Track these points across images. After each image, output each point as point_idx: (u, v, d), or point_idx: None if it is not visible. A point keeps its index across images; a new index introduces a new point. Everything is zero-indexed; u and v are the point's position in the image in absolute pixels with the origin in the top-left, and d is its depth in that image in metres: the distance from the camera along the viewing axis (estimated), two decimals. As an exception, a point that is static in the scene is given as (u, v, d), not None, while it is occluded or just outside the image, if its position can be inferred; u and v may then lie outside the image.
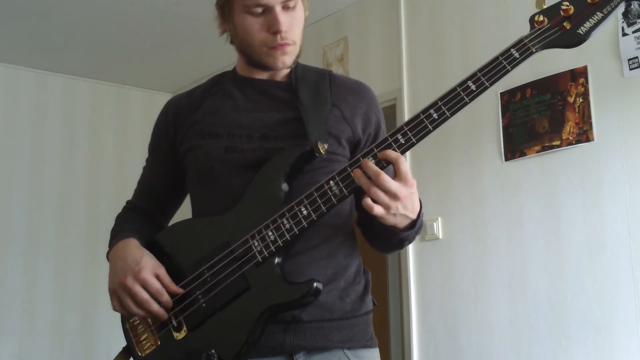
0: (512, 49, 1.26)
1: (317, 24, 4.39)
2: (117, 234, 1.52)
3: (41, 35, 4.61)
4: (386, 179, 1.23)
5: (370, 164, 1.25)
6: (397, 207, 1.25)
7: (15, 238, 4.85)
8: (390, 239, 1.38)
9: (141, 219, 1.61)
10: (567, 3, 1.26)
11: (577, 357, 2.95)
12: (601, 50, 3.01)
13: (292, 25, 1.44)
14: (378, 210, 1.25)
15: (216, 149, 1.44)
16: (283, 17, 1.41)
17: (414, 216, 1.30)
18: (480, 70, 1.26)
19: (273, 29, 1.41)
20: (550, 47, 1.27)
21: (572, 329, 2.98)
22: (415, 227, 1.33)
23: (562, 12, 1.26)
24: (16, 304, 4.77)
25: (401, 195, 1.24)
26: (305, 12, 1.49)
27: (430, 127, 1.26)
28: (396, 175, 1.25)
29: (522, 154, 3.25)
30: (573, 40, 1.26)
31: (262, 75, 1.52)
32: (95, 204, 5.14)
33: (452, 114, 1.26)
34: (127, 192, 1.71)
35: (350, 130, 1.47)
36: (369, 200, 1.25)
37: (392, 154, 1.25)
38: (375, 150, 1.28)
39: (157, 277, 1.39)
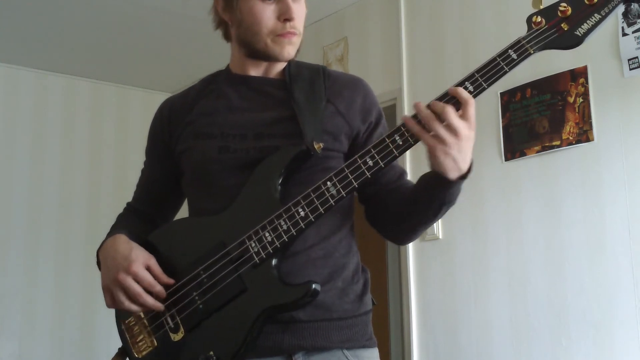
0: (509, 50, 1.25)
1: (317, 24, 4.38)
2: (110, 231, 1.52)
3: (41, 35, 4.60)
4: (452, 113, 1.20)
5: (437, 101, 1.22)
6: (453, 145, 1.21)
7: (15, 238, 4.83)
8: (434, 198, 1.31)
9: (139, 220, 1.61)
10: (564, 4, 1.25)
11: (577, 357, 2.94)
12: (601, 50, 3.00)
13: (299, 16, 1.45)
14: (432, 142, 1.21)
15: (210, 149, 1.44)
16: (294, 6, 1.42)
17: (465, 168, 1.26)
18: (477, 71, 1.25)
19: (285, 16, 1.42)
20: (548, 49, 1.27)
21: (572, 329, 2.98)
22: (465, 178, 1.28)
23: (559, 13, 1.26)
24: (16, 304, 4.76)
25: (462, 133, 1.20)
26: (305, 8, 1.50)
27: None
28: (462, 116, 1.22)
29: (522, 154, 3.25)
30: (570, 42, 1.26)
31: (257, 72, 1.52)
32: (95, 204, 5.12)
33: None
34: (127, 192, 1.71)
35: (347, 125, 1.46)
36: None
37: (464, 93, 1.22)
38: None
39: (149, 268, 1.38)
